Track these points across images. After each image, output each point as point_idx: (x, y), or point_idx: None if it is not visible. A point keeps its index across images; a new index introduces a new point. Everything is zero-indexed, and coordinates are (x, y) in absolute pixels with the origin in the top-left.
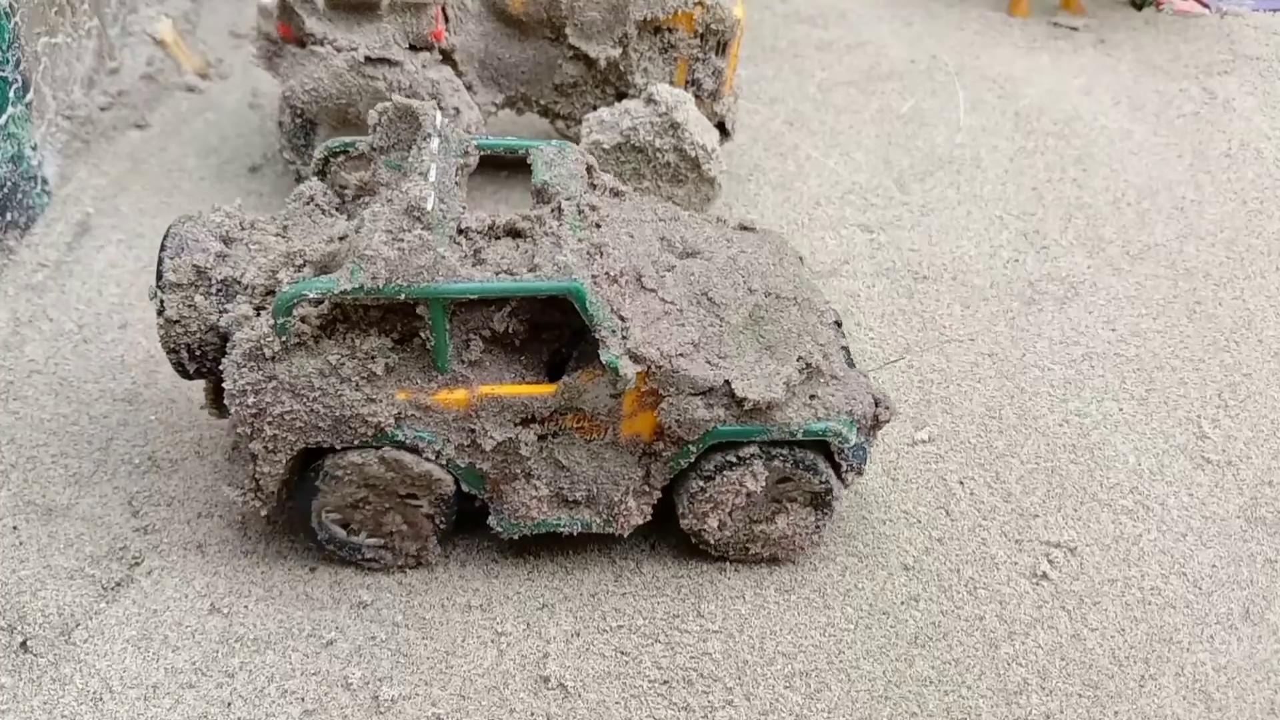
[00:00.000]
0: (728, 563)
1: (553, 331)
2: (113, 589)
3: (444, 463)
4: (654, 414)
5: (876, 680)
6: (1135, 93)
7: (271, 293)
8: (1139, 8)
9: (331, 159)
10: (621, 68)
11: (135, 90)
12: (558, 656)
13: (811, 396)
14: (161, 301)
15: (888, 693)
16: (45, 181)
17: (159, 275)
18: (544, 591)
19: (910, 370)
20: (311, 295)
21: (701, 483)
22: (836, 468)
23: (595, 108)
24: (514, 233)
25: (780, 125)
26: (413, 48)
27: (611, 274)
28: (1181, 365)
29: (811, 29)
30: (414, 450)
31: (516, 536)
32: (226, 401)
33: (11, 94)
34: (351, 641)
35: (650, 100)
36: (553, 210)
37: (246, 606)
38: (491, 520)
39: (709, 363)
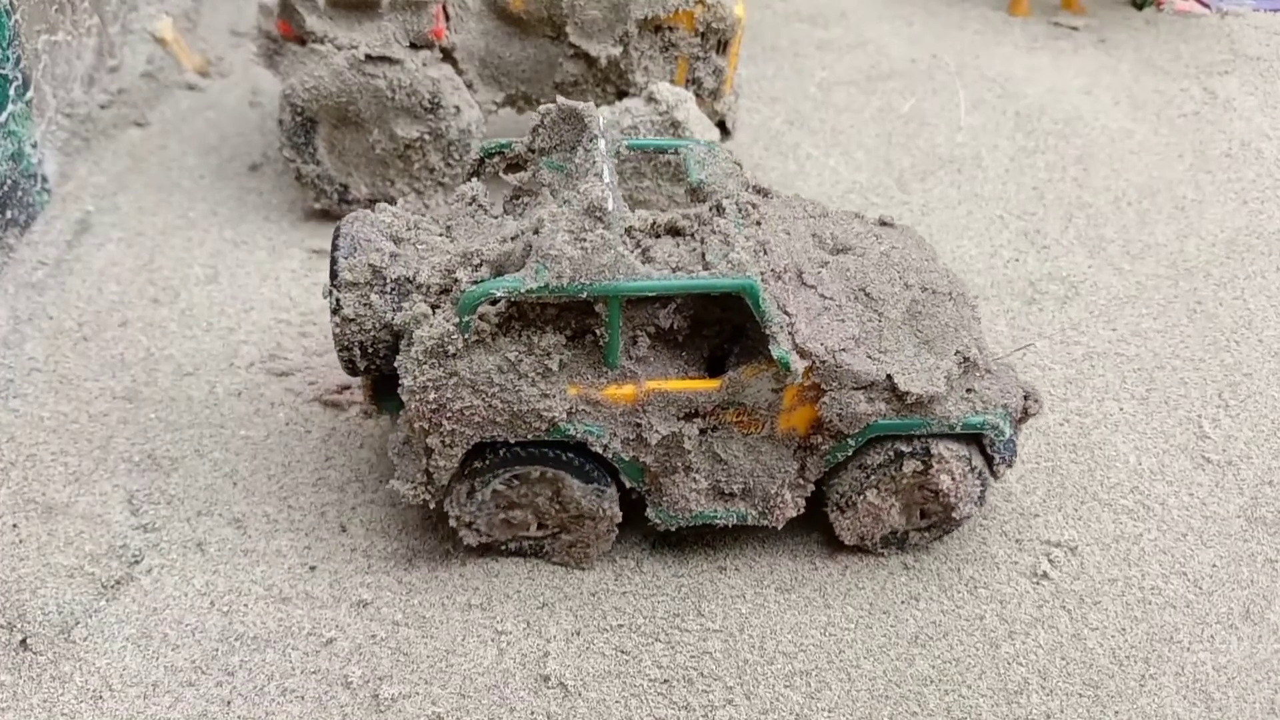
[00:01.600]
0: (728, 562)
1: (713, 327)
2: (112, 587)
3: (609, 456)
4: (813, 408)
5: (877, 679)
6: (1136, 92)
7: (445, 291)
8: (1139, 7)
9: (486, 160)
10: (622, 66)
11: (135, 88)
12: (558, 655)
13: (968, 390)
14: (337, 300)
15: (888, 692)
16: (45, 179)
17: (334, 274)
18: (544, 590)
19: None
20: (499, 294)
21: (858, 475)
22: (989, 460)
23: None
24: (674, 231)
25: (781, 124)
26: (413, 46)
27: (776, 271)
28: (1182, 365)
29: (812, 28)
30: (583, 445)
31: (674, 528)
32: (405, 397)
33: (12, 91)
34: (351, 640)
35: (651, 99)
36: (711, 208)
37: (246, 605)
38: (650, 512)
39: (870, 357)
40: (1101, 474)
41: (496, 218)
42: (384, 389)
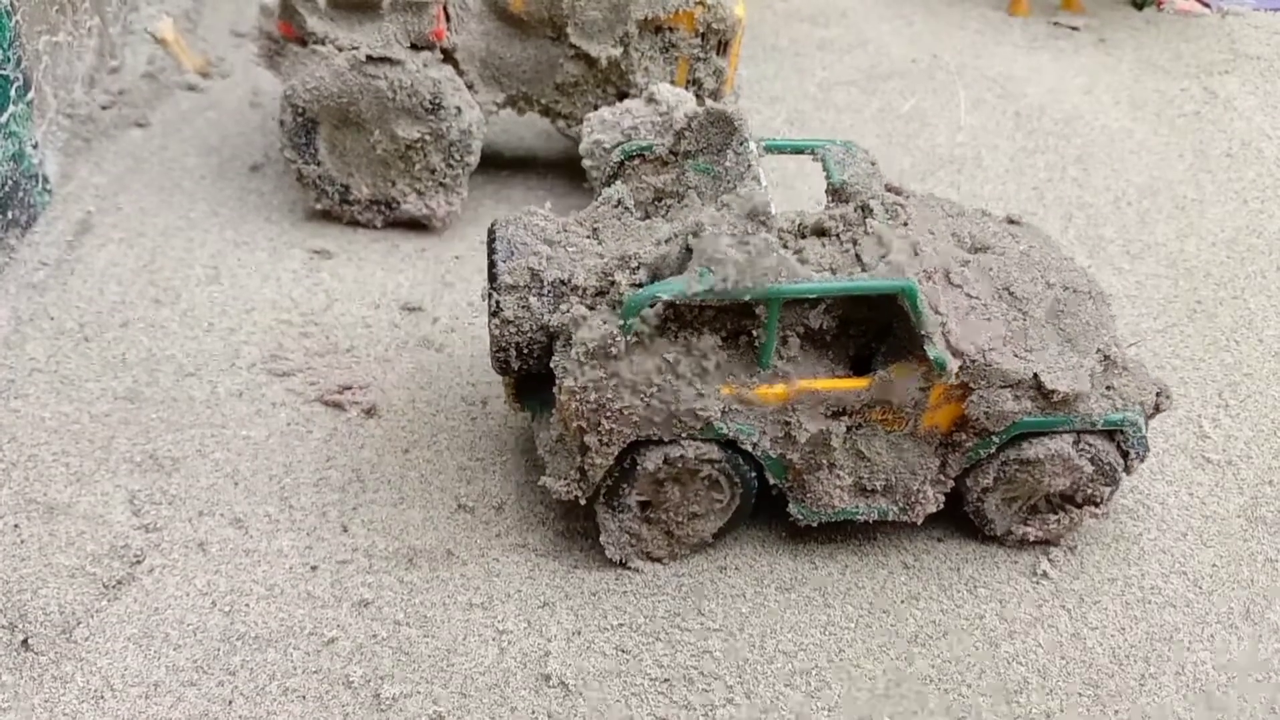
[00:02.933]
0: (728, 561)
1: (858, 327)
2: (114, 587)
3: (758, 454)
4: (957, 406)
5: (877, 678)
6: (1136, 92)
7: (601, 293)
8: (1140, 7)
9: (627, 162)
10: (623, 67)
11: (136, 89)
12: (559, 654)
13: (1108, 387)
14: (497, 302)
15: (888, 691)
16: (46, 180)
17: (493, 277)
18: (545, 590)
19: None
20: (665, 297)
21: (1001, 471)
22: (1124, 455)
23: (596, 107)
24: (820, 231)
25: (781, 124)
26: (414, 47)
27: (927, 271)
28: (1182, 365)
29: (812, 28)
30: (733, 442)
31: (815, 524)
32: (564, 397)
33: (13, 92)
34: (353, 640)
35: (651, 99)
36: (856, 209)
37: (248, 605)
38: (792, 508)
39: (1016, 356)
40: None
41: (644, 219)
42: (525, 389)
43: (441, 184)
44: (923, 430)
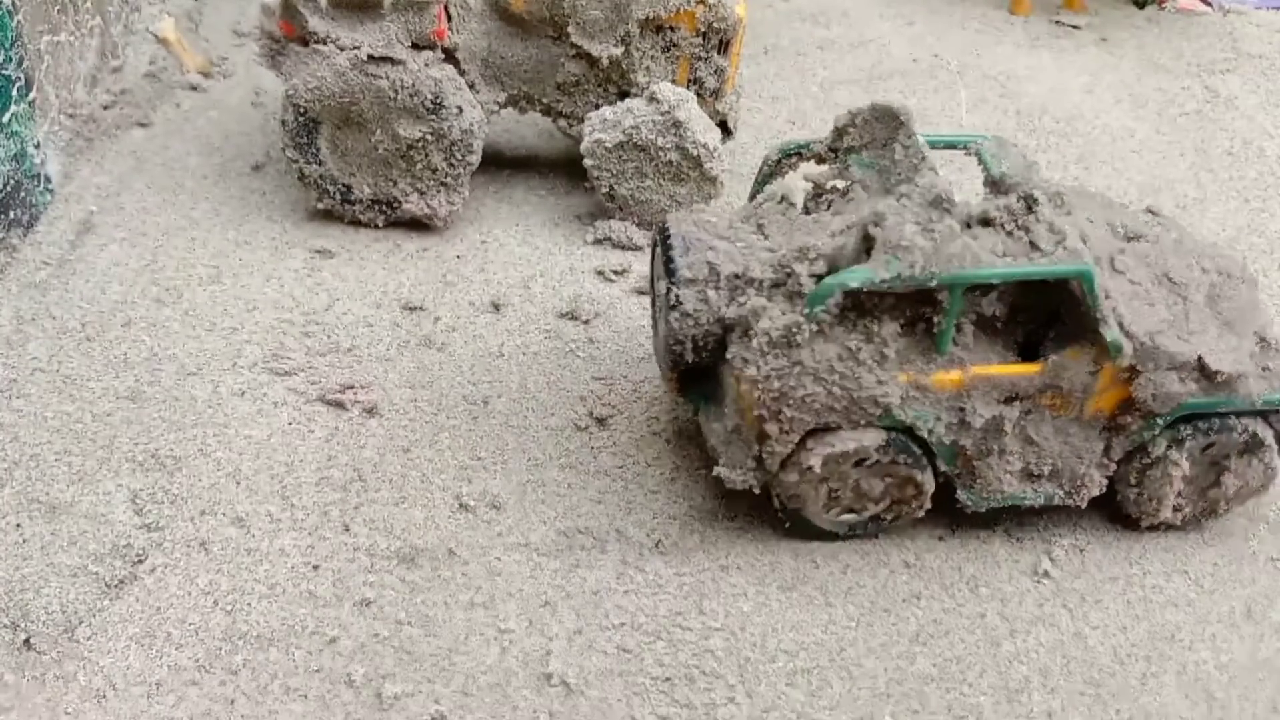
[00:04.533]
0: (729, 560)
1: (1025, 313)
2: (116, 586)
3: (933, 440)
4: (1124, 389)
5: (878, 678)
6: (1137, 91)
7: (777, 285)
8: (1141, 6)
9: (784, 160)
10: (624, 66)
11: (138, 88)
12: (560, 654)
13: (1264, 368)
14: (677, 296)
15: (889, 690)
16: (48, 179)
17: (671, 272)
18: (546, 589)
19: None
20: (854, 284)
21: (1165, 452)
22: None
23: (598, 106)
24: (985, 221)
25: (782, 124)
26: (415, 46)
27: (1096, 258)
28: None
29: (814, 27)
30: (910, 430)
31: (983, 510)
32: (745, 386)
33: (14, 92)
34: (354, 639)
35: (652, 99)
36: (1019, 199)
37: (250, 604)
38: (960, 495)
39: (1180, 339)
40: None
41: (810, 214)
42: (688, 383)
43: (443, 183)
44: (1088, 414)
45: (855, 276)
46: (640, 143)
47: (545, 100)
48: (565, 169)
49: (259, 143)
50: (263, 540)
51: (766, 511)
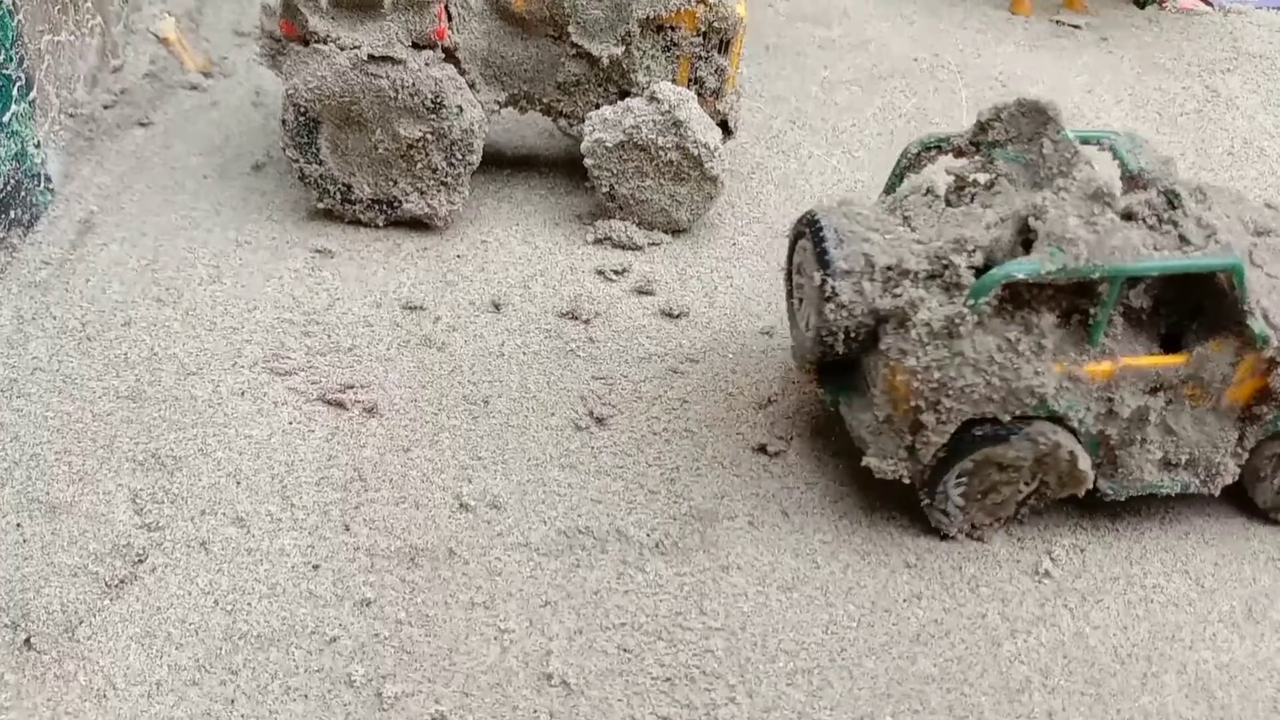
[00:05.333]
0: (730, 560)
1: (1167, 305)
2: (116, 586)
3: (1081, 430)
4: (1260, 380)
5: (879, 678)
6: (1138, 91)
7: (933, 276)
8: (1142, 5)
9: (923, 153)
10: (624, 66)
11: (138, 88)
12: (561, 654)
13: None
14: (833, 288)
15: (890, 690)
16: (48, 179)
17: (825, 264)
18: (547, 589)
19: None
20: (1020, 276)
21: None
22: None
23: (598, 106)
24: (1127, 215)
25: (783, 124)
26: (416, 46)
27: (1240, 251)
28: None
29: (814, 27)
30: (1061, 421)
31: (1123, 498)
32: (902, 377)
33: (15, 91)
34: (355, 639)
35: (653, 98)
36: (1159, 194)
37: (250, 604)
38: (1101, 484)
39: None
40: None
41: (956, 206)
42: (827, 375)
43: (443, 183)
44: (1225, 404)
45: (1022, 268)
46: (641, 142)
47: (546, 100)
48: (566, 168)
49: (259, 142)
50: (263, 540)
51: (767, 511)
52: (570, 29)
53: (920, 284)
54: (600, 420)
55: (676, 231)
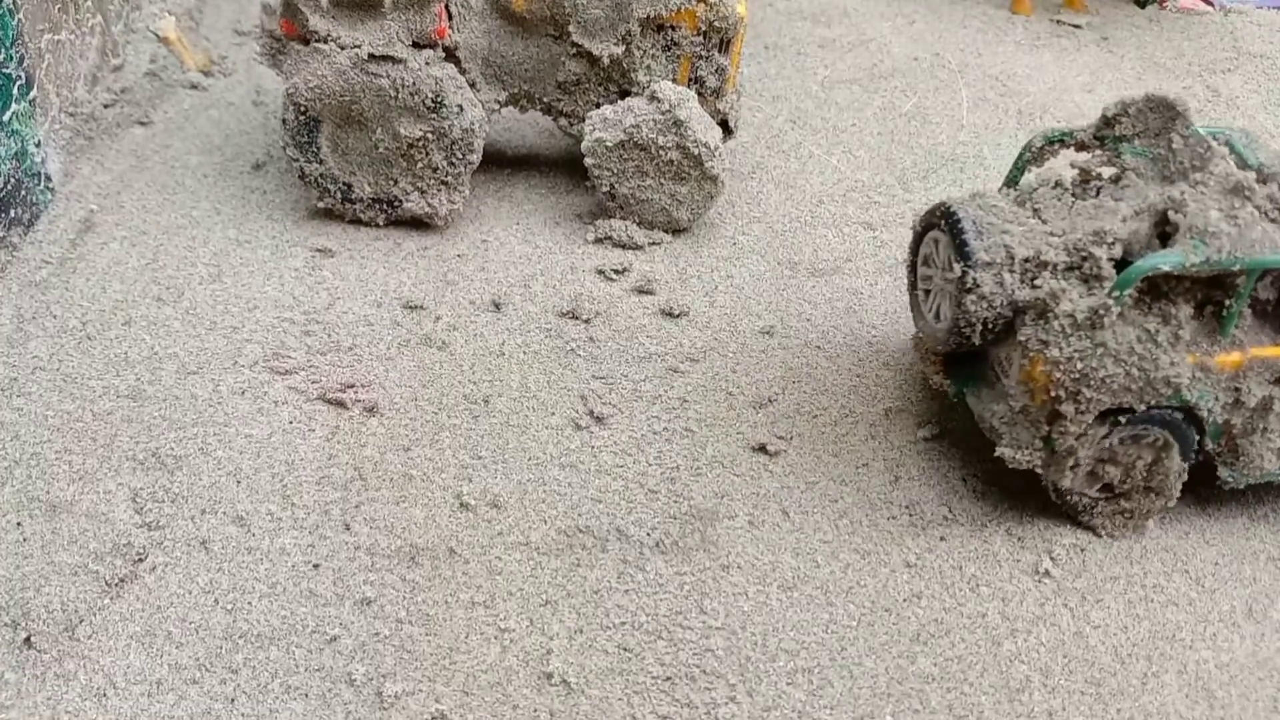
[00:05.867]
0: (730, 560)
1: None
2: (117, 585)
3: (1208, 420)
4: None
5: (879, 677)
6: (1138, 90)
7: (1071, 268)
8: (1142, 5)
9: (1046, 147)
10: (624, 65)
11: (139, 87)
12: (561, 653)
13: None
14: (975, 280)
15: (890, 689)
16: (49, 178)
17: (966, 255)
18: (547, 588)
19: (913, 367)
20: (1165, 268)
21: None
22: None
23: (598, 105)
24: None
25: (783, 123)
26: (416, 45)
27: None
28: None
29: (814, 27)
30: (1192, 412)
31: (1242, 486)
32: (1043, 368)
33: (15, 90)
34: (355, 638)
35: (653, 98)
36: None
37: (250, 603)
38: (1222, 472)
39: None
40: None
41: (1083, 200)
42: (951, 366)
43: (444, 182)
44: None
45: (1167, 260)
46: (641, 142)
47: (546, 99)
48: (566, 168)
49: (260, 141)
50: (263, 539)
51: (767, 510)
52: (571, 28)
53: (1059, 275)
54: (600, 419)
55: (677, 231)
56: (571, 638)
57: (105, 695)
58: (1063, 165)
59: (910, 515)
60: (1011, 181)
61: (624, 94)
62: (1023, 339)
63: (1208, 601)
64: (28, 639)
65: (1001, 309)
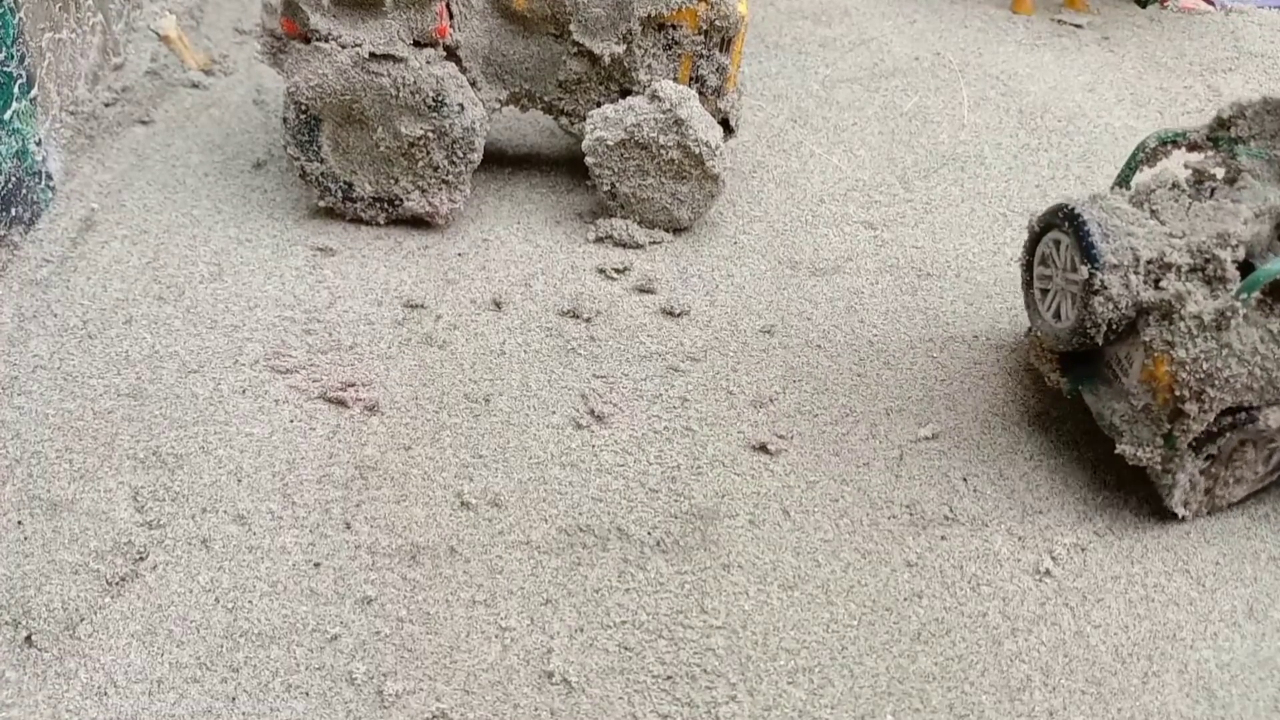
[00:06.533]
0: (731, 559)
1: None
2: (117, 584)
3: None
4: None
5: (879, 676)
6: (1139, 90)
7: (1194, 270)
8: (1143, 5)
9: (1160, 148)
10: (625, 64)
11: (139, 86)
12: (561, 652)
13: None
14: (1103, 282)
15: (890, 689)
16: (49, 177)
17: (1094, 258)
18: (548, 587)
19: (913, 367)
20: None
21: None
22: None
23: (599, 104)
24: None
25: (784, 122)
26: (417, 44)
27: None
28: None
29: (815, 26)
30: None
31: None
32: (1169, 368)
33: (16, 89)
34: (356, 637)
35: (654, 97)
36: None
37: (251, 601)
38: None
39: None
40: (1104, 471)
41: (1202, 201)
42: (1067, 365)
43: (444, 181)
44: None
45: None
46: (642, 141)
47: (547, 98)
48: (567, 167)
49: (260, 140)
50: (264, 538)
51: (768, 510)
52: (572, 27)
53: (1184, 278)
54: (601, 418)
55: (678, 230)
56: (572, 636)
57: (106, 694)
58: (1175, 166)
59: (911, 515)
60: (1123, 181)
61: (625, 93)
62: (1147, 339)
63: (1208, 601)
64: (28, 637)
65: (1126, 310)
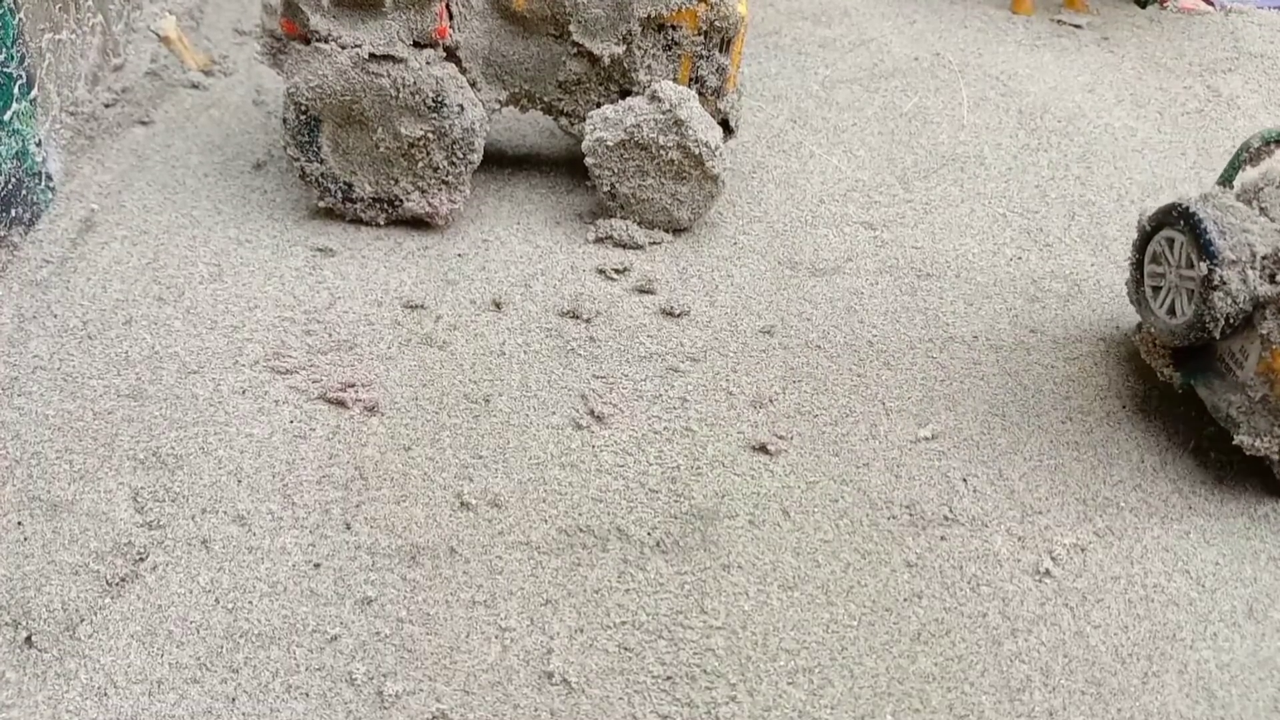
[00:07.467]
0: (731, 559)
1: None
2: (117, 584)
3: None
4: None
5: (879, 677)
6: (1139, 90)
7: None
8: (1143, 5)
9: (1264, 147)
10: (625, 65)
11: (139, 87)
12: (561, 652)
13: None
14: (1222, 278)
15: (890, 689)
16: (49, 178)
17: (1212, 254)
18: (548, 587)
19: (913, 367)
20: None
21: None
22: None
23: (599, 105)
24: None
25: (784, 122)
26: (417, 44)
27: None
28: None
29: (815, 26)
30: None
31: None
32: (1274, 363)
33: (16, 90)
34: (356, 637)
35: (654, 97)
36: None
37: (251, 602)
38: None
39: None
40: (1104, 471)
41: None
42: (1181, 359)
43: (444, 182)
44: None
45: None
46: (642, 141)
47: (547, 99)
48: (566, 167)
49: (260, 141)
50: (264, 538)
51: (768, 510)
52: (571, 28)
53: None
54: (601, 419)
55: (677, 230)
56: (572, 637)
57: (106, 694)
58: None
59: (910, 515)
60: (1227, 180)
61: (625, 93)
62: (1264, 332)
63: (1208, 601)
64: (28, 638)
65: (1244, 305)
